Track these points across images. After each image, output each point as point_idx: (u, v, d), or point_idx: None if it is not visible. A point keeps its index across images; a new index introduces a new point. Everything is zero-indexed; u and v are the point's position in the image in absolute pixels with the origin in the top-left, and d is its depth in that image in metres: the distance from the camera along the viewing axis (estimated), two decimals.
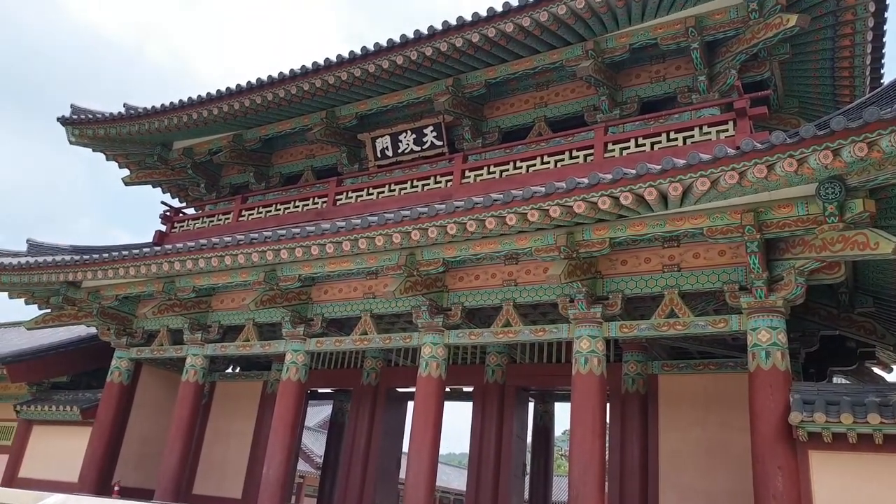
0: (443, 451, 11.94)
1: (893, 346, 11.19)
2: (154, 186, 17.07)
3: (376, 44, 11.83)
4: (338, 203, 13.53)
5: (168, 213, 16.23)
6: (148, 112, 14.33)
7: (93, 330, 15.96)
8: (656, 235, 9.09)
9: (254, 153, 15.43)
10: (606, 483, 9.90)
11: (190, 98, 13.80)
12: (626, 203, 8.22)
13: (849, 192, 7.42)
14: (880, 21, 9.76)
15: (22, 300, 15.19)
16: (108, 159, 16.25)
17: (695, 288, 9.34)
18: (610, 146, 10.77)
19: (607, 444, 10.60)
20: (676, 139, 10.24)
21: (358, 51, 12.01)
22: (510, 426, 12.93)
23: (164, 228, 16.06)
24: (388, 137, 13.47)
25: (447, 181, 12.32)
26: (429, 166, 12.88)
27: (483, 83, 12.22)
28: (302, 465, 29.59)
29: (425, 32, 11.29)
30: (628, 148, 10.62)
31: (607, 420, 10.56)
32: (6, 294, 15.00)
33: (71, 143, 15.46)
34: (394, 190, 12.95)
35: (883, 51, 10.50)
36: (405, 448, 13.27)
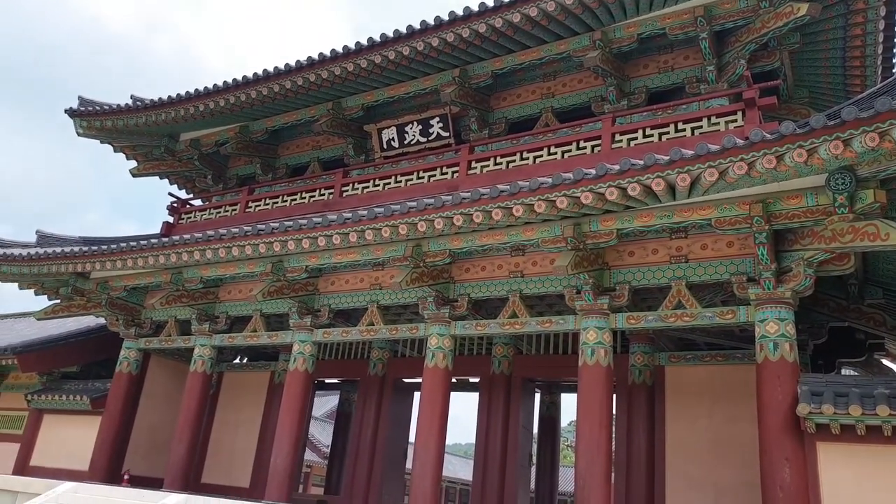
0: (449, 441, 12.00)
1: None
2: (161, 178, 17.13)
3: (383, 35, 11.79)
4: (344, 194, 13.53)
5: (175, 205, 16.28)
6: (155, 103, 14.35)
7: (101, 320, 16.09)
8: (664, 226, 9.05)
9: (260, 145, 15.45)
10: (612, 474, 9.92)
11: (197, 89, 13.80)
12: (634, 194, 8.18)
13: (859, 182, 7.36)
14: (892, 10, 9.63)
15: (32, 291, 15.32)
16: (115, 151, 16.32)
17: (702, 279, 9.31)
18: (617, 137, 10.71)
19: (613, 436, 10.61)
20: (684, 130, 10.18)
21: (365, 42, 11.97)
22: (516, 417, 12.96)
23: (171, 220, 16.12)
24: (394, 129, 13.45)
25: (453, 172, 12.30)
26: (435, 157, 12.85)
27: (490, 74, 12.17)
28: (309, 455, 29.82)
29: (432, 23, 11.24)
30: (636, 139, 10.56)
31: (614, 411, 10.56)
32: (16, 285, 15.13)
33: (79, 134, 15.51)
34: (400, 181, 12.94)
35: (895, 40, 10.37)
36: (412, 438, 13.34)
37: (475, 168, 12.07)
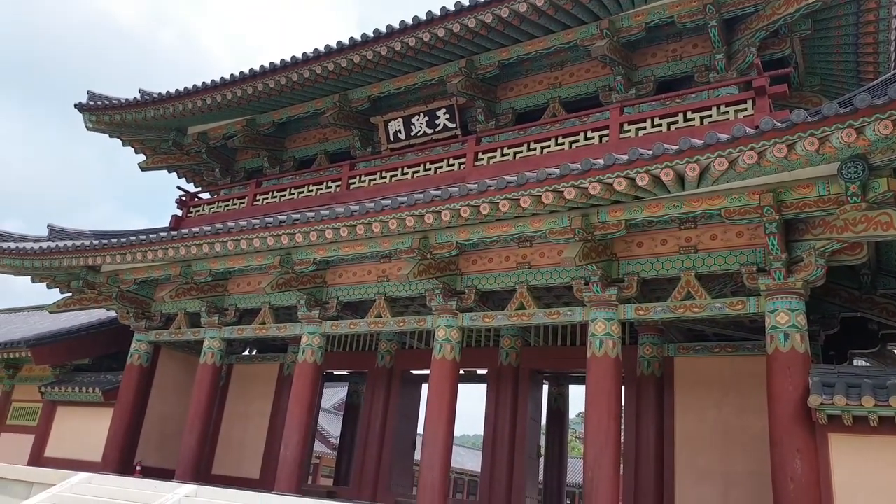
0: (457, 432, 12.02)
1: None
2: (170, 171, 17.20)
3: (388, 26, 11.73)
4: (351, 187, 13.53)
5: (184, 198, 16.35)
6: (163, 97, 14.39)
7: (112, 314, 16.23)
8: (673, 217, 8.98)
9: (268, 137, 15.45)
10: (621, 465, 9.90)
11: (204, 83, 13.82)
12: (643, 184, 8.11)
13: (872, 171, 7.25)
14: None
15: (44, 284, 15.46)
16: (124, 145, 16.37)
17: (712, 270, 9.23)
18: (625, 127, 10.62)
19: (622, 427, 10.58)
20: (693, 119, 10.07)
21: (370, 34, 11.92)
22: (524, 409, 12.97)
23: (180, 213, 16.19)
24: (400, 120, 13.41)
25: (460, 164, 12.25)
26: (441, 149, 12.80)
27: (496, 64, 12.08)
28: (318, 446, 30.03)
29: (437, 14, 11.16)
30: (644, 128, 10.45)
31: (622, 403, 10.53)
32: (29, 278, 15.27)
33: (88, 129, 15.59)
34: (406, 173, 12.91)
35: None
36: (420, 429, 13.38)
37: (482, 159, 12.02)
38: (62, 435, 15.66)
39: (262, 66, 13.13)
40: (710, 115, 9.96)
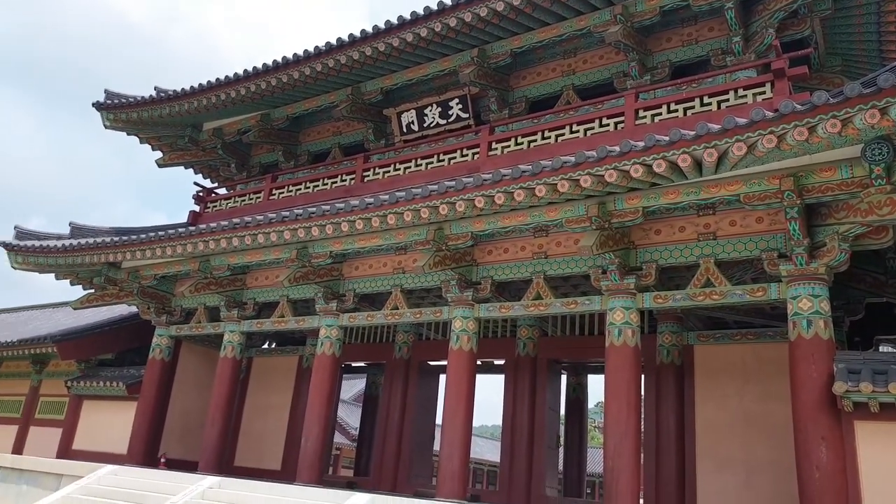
0: (475, 423, 12.03)
1: None
2: (186, 168, 17.35)
3: (400, 17, 11.68)
4: (365, 180, 13.54)
5: (201, 194, 16.50)
6: (178, 94, 14.49)
7: (134, 309, 16.47)
8: (691, 203, 8.85)
9: (282, 132, 15.51)
10: (641, 455, 9.85)
11: (218, 78, 13.89)
12: (660, 171, 8.00)
13: None
14: None
15: (68, 281, 15.73)
16: (141, 142, 16.55)
17: (731, 256, 9.11)
18: (641, 113, 10.47)
19: (642, 416, 10.51)
20: (710, 104, 9.90)
21: (382, 25, 11.88)
22: (543, 399, 12.94)
23: (197, 209, 16.34)
24: (413, 112, 13.37)
25: (474, 154, 12.19)
26: (455, 139, 12.75)
27: (509, 53, 11.97)
28: (338, 438, 30.27)
29: (449, 3, 11.07)
30: (660, 114, 10.31)
31: (642, 392, 10.46)
32: (53, 275, 15.54)
33: (106, 127, 15.77)
34: (420, 165, 12.88)
35: None
36: (439, 420, 13.42)
37: (496, 149, 11.95)
38: (88, 428, 15.98)
39: (275, 61, 13.16)
40: (728, 100, 9.78)
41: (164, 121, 15.28)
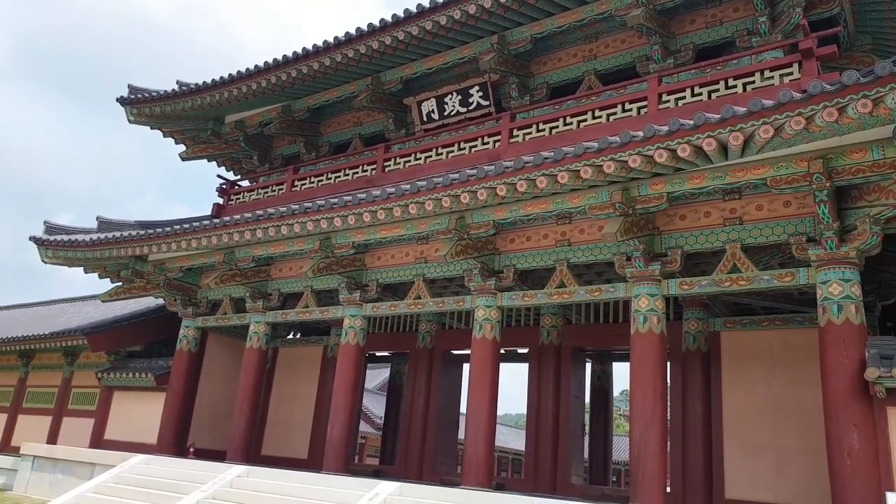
0: (499, 411, 12.04)
1: None
2: (209, 160, 17.55)
3: (419, 5, 11.62)
4: (386, 170, 13.57)
5: (224, 186, 16.68)
6: (200, 87, 14.64)
7: (161, 301, 16.75)
8: (716, 188, 8.73)
9: (303, 123, 15.59)
10: (668, 442, 9.79)
11: (239, 71, 14.00)
12: (684, 155, 7.89)
13: None
14: None
15: (96, 274, 16.05)
16: (164, 136, 16.76)
17: (758, 241, 8.96)
18: (664, 97, 10.33)
19: (668, 403, 10.44)
20: (736, 86, 9.72)
21: (401, 13, 11.84)
22: (567, 387, 12.92)
23: (221, 201, 16.53)
24: (433, 100, 13.33)
25: (495, 142, 12.14)
26: (475, 127, 12.70)
27: (529, 38, 11.86)
28: (363, 426, 30.59)
29: None
30: (684, 98, 10.16)
31: (667, 379, 10.38)
32: (81, 269, 15.85)
33: (130, 122, 15.98)
34: (441, 154, 12.87)
35: None
36: (463, 409, 13.47)
37: (517, 136, 11.87)
38: (119, 418, 16.34)
39: (295, 52, 13.21)
40: (754, 82, 9.60)
41: (186, 114, 15.44)
